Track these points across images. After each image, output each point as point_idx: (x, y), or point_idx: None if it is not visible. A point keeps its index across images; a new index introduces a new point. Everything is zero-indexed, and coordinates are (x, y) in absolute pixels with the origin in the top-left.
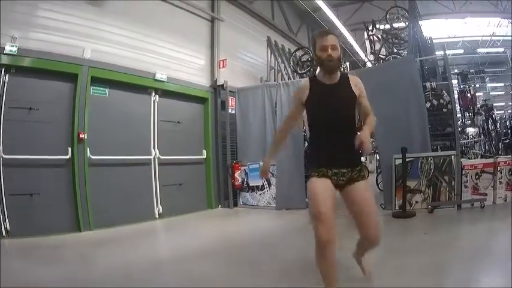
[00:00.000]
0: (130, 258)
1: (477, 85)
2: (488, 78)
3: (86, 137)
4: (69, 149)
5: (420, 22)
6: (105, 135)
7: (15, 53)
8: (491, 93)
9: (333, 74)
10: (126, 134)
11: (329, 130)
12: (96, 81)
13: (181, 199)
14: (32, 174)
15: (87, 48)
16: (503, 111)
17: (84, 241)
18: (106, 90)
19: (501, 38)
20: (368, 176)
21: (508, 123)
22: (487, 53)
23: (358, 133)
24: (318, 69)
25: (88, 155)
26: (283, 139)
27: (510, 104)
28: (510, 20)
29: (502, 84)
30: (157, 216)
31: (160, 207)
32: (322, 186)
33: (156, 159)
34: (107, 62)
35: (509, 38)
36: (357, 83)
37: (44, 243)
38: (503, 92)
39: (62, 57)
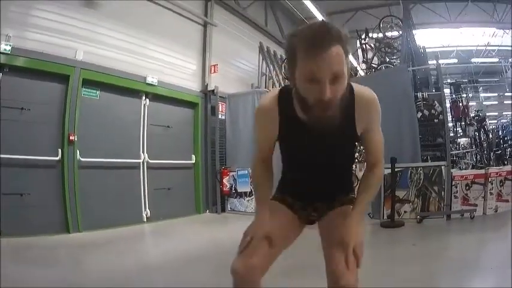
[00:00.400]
0: (117, 261)
1: (470, 95)
2: (481, 88)
3: (76, 139)
4: (60, 151)
5: (414, 31)
6: (95, 137)
7: (9, 52)
8: (484, 102)
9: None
10: (116, 137)
11: (309, 174)
12: (87, 83)
13: (170, 203)
14: (22, 174)
15: (80, 49)
16: (496, 121)
17: (73, 243)
18: (97, 92)
19: (496, 48)
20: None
21: (500, 133)
22: (482, 62)
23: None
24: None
25: (78, 157)
26: (264, 184)
27: (503, 113)
28: (506, 30)
29: (496, 94)
30: (145, 219)
31: (148, 211)
32: (273, 221)
33: (145, 163)
34: (99, 64)
35: (504, 48)
36: (367, 109)
37: (33, 243)
38: (496, 102)
39: (55, 58)
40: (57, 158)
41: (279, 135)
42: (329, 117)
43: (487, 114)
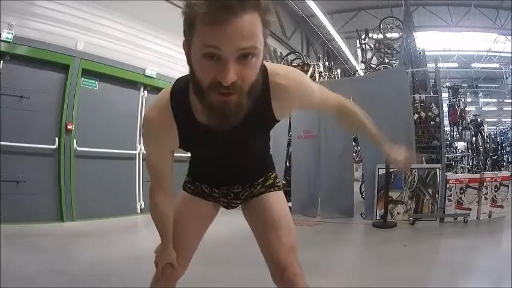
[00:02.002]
0: (110, 252)
1: (469, 99)
2: (481, 93)
3: (73, 128)
4: (57, 139)
5: (415, 34)
6: (92, 127)
7: (11, 41)
8: (483, 108)
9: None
10: (113, 128)
11: (222, 166)
12: (86, 73)
13: None
14: (19, 161)
15: (81, 40)
16: (494, 127)
17: (65, 232)
18: (96, 83)
19: (497, 54)
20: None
21: (498, 139)
22: (482, 68)
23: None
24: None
25: (75, 146)
26: (167, 220)
27: (502, 120)
28: (507, 37)
29: (495, 100)
30: (139, 211)
31: (142, 202)
32: (189, 219)
33: (141, 155)
34: (99, 55)
35: (505, 55)
36: (289, 90)
37: (26, 231)
38: (495, 108)
39: (55, 48)
40: (54, 147)
41: (181, 145)
42: (235, 116)
43: (486, 120)
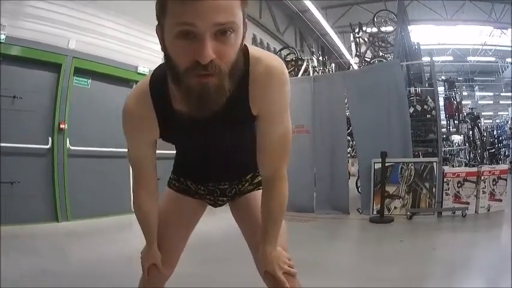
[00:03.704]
0: (104, 252)
1: (465, 93)
2: (477, 86)
3: (66, 127)
4: (50, 139)
5: (409, 27)
6: (85, 126)
7: (3, 41)
8: (479, 102)
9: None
10: (106, 126)
11: (206, 160)
12: (79, 71)
13: (159, 193)
14: (13, 162)
15: (72, 38)
16: (490, 120)
17: (60, 232)
18: (88, 81)
19: (493, 48)
20: None
21: (495, 132)
22: (478, 61)
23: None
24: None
25: (68, 145)
26: (151, 218)
27: (499, 113)
28: (503, 30)
29: (491, 94)
30: (133, 209)
31: None
32: (174, 218)
33: None
34: (91, 53)
35: (501, 48)
36: (265, 82)
37: (22, 232)
38: (491, 102)
39: (47, 47)
40: (47, 147)
41: (162, 137)
42: (216, 101)
43: (482, 113)
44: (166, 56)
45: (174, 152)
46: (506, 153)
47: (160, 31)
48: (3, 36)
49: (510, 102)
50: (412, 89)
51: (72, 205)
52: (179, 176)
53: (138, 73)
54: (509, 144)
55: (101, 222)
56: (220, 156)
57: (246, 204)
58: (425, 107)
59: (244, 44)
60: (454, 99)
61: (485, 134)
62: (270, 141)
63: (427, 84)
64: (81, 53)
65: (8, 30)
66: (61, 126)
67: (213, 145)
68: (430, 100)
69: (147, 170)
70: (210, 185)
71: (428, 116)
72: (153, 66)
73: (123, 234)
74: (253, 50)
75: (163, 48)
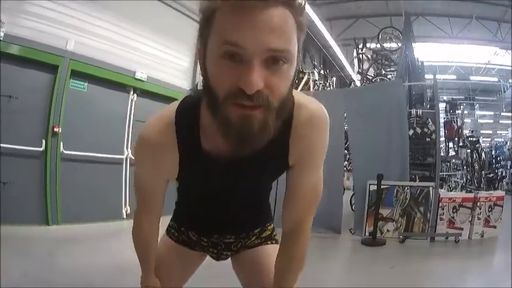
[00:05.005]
0: (92, 260)
1: (465, 111)
2: (478, 105)
3: (60, 131)
4: (43, 142)
5: (414, 44)
6: (80, 130)
7: (2, 39)
8: (479, 120)
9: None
10: (100, 131)
11: (216, 210)
12: (76, 74)
13: None
14: (6, 163)
15: (71, 39)
16: (489, 139)
17: (50, 236)
18: (85, 84)
19: (496, 67)
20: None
21: (493, 152)
22: (480, 80)
23: None
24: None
25: (61, 149)
26: (151, 247)
27: (498, 132)
28: (507, 51)
29: (492, 113)
30: (124, 216)
31: (128, 207)
32: (170, 271)
33: (128, 160)
34: (89, 56)
35: (504, 68)
36: (308, 131)
37: (11, 234)
38: (491, 121)
39: (45, 47)
40: (41, 149)
41: (180, 177)
42: (257, 139)
43: (481, 131)
44: (205, 80)
45: None
46: (504, 174)
47: (202, 53)
48: (2, 34)
49: (510, 122)
50: (413, 111)
51: (63, 209)
52: (180, 225)
53: (136, 79)
54: (507, 165)
55: (91, 227)
56: (237, 206)
57: (251, 259)
58: (425, 129)
59: (290, 93)
60: (455, 123)
61: (484, 158)
62: (303, 191)
63: (428, 106)
64: (78, 55)
65: (7, 27)
66: (55, 129)
67: (236, 193)
68: (431, 123)
69: (154, 199)
70: (214, 237)
71: (427, 139)
72: (151, 72)
73: (112, 243)
74: (296, 93)
75: (203, 72)
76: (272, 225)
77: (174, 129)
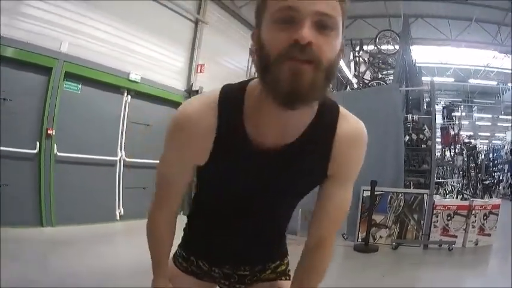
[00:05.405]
0: (86, 263)
1: (463, 113)
2: (476, 107)
3: (53, 133)
4: (37, 144)
5: (411, 47)
6: (73, 132)
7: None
8: (477, 122)
9: (298, 109)
10: (94, 133)
11: (237, 219)
12: (69, 76)
13: (144, 202)
14: (1, 165)
15: (65, 41)
16: (487, 140)
17: (43, 238)
18: (79, 86)
19: (495, 70)
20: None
21: (490, 155)
22: (479, 83)
23: None
24: (257, 85)
25: (55, 151)
26: (166, 242)
27: (496, 134)
28: (507, 55)
29: (490, 116)
30: (118, 218)
31: (122, 209)
32: None
33: (122, 161)
34: (83, 57)
35: (503, 71)
36: (351, 147)
37: (5, 235)
38: (489, 123)
39: (39, 49)
40: (35, 151)
41: (210, 164)
42: (306, 95)
43: (479, 133)
44: (260, 49)
45: None
46: (501, 178)
47: (257, 31)
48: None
49: (510, 125)
50: (409, 117)
51: (57, 211)
52: (189, 254)
53: (130, 80)
54: (504, 169)
55: (85, 229)
56: (258, 222)
57: None
58: (421, 136)
59: (335, 103)
60: (451, 128)
61: (479, 163)
62: (334, 204)
63: (425, 112)
64: (72, 57)
65: (3, 29)
66: (48, 132)
67: (260, 201)
68: (427, 129)
69: (176, 190)
70: (226, 268)
71: (423, 145)
72: (146, 73)
73: (106, 246)
74: (342, 109)
75: (258, 47)
76: (287, 259)
77: (216, 109)
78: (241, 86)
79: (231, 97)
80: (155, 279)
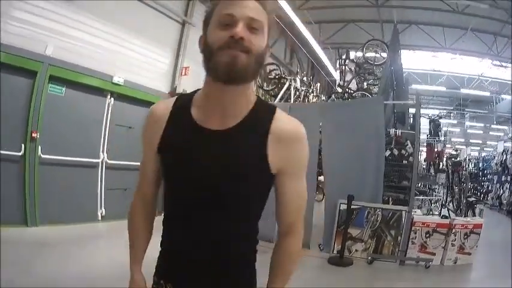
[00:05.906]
0: (68, 265)
1: (454, 121)
2: (468, 114)
3: (38, 136)
4: (23, 146)
5: (401, 56)
6: (57, 134)
7: None
8: (468, 130)
9: (233, 85)
10: (77, 135)
11: (196, 212)
12: (54, 79)
13: (126, 204)
14: None
15: (50, 44)
16: (478, 147)
17: (27, 239)
18: (63, 89)
19: (489, 79)
20: None
21: (480, 164)
22: (471, 92)
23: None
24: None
25: (39, 153)
26: (143, 235)
27: (487, 142)
28: (504, 64)
29: (482, 125)
30: (100, 218)
31: (103, 209)
32: None
33: (104, 163)
34: (67, 61)
35: (497, 80)
36: (289, 141)
37: None
38: (481, 132)
39: (24, 52)
40: (20, 154)
41: (163, 144)
42: (241, 73)
43: (470, 141)
44: (205, 46)
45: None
46: (489, 188)
47: (204, 36)
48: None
49: (502, 134)
50: (392, 131)
51: (41, 211)
52: (159, 276)
53: (113, 83)
54: (493, 179)
55: (68, 229)
56: (213, 221)
57: None
58: (403, 151)
59: (274, 104)
60: (434, 146)
61: (463, 181)
62: (291, 197)
63: (409, 127)
64: (57, 60)
65: None
66: (33, 135)
67: (214, 185)
68: (410, 145)
69: (147, 177)
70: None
71: (405, 161)
72: (129, 76)
73: (88, 246)
74: (280, 111)
75: (204, 47)
76: (252, 271)
77: (172, 103)
78: (194, 91)
79: (184, 96)
80: (130, 266)
